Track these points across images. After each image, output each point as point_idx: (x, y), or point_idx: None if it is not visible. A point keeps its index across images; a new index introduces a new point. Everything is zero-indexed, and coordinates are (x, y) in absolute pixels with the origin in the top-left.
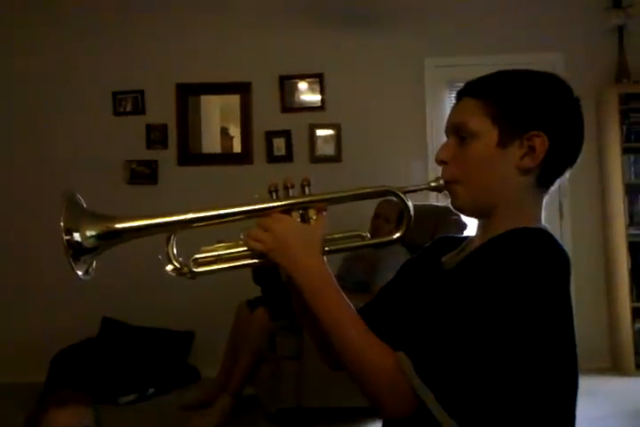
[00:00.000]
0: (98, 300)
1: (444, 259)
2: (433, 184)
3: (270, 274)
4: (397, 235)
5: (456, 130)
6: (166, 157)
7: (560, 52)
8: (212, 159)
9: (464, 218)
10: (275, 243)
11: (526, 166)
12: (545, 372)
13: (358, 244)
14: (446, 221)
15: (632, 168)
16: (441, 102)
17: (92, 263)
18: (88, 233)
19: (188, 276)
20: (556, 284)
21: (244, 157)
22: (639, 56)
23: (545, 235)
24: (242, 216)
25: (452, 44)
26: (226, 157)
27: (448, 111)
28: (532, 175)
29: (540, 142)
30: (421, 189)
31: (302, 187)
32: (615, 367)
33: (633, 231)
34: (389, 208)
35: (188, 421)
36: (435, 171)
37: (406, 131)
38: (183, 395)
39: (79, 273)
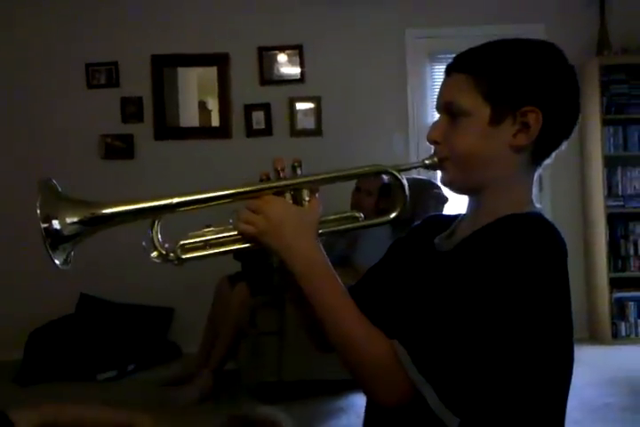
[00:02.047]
0: (75, 276)
1: (436, 240)
2: (427, 162)
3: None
4: (393, 215)
5: (447, 108)
6: (142, 132)
7: (541, 23)
8: (189, 133)
9: (445, 191)
10: (267, 226)
11: (520, 144)
12: (544, 364)
13: (353, 225)
14: (427, 195)
15: (611, 140)
16: (422, 74)
17: (70, 252)
18: (68, 220)
19: (175, 262)
20: (555, 275)
21: (223, 131)
22: (620, 28)
23: (544, 224)
24: (231, 199)
25: (433, 15)
26: (204, 131)
27: (429, 83)
28: (526, 152)
29: (535, 119)
30: (416, 168)
31: (293, 168)
32: (592, 337)
33: (611, 203)
34: (371, 181)
35: (169, 397)
36: (415, 143)
37: (387, 103)
38: (163, 371)
39: (57, 262)
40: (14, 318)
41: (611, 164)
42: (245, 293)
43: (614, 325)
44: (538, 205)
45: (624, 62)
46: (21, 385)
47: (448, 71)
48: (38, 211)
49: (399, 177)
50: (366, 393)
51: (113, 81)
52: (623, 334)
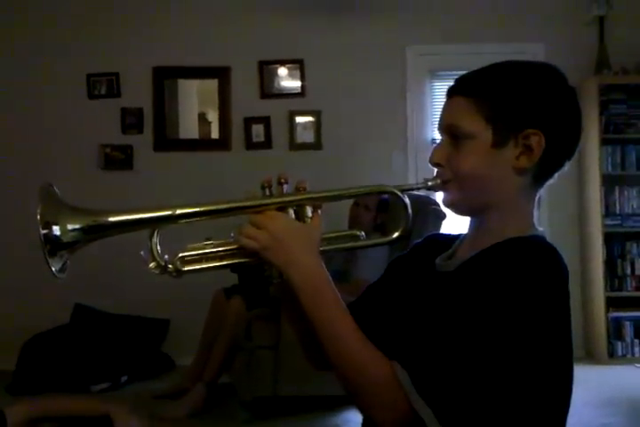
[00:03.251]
0: (70, 286)
1: (437, 260)
2: (430, 183)
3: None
4: (395, 235)
5: (449, 130)
6: (142, 142)
7: (541, 42)
8: (189, 145)
9: (443, 208)
10: (269, 241)
11: (523, 166)
12: (546, 388)
13: (354, 244)
14: (426, 211)
15: (610, 159)
16: (422, 91)
17: (67, 261)
18: (69, 227)
19: (174, 275)
20: (557, 301)
21: (222, 144)
22: (619, 47)
23: (547, 249)
24: (234, 213)
25: (434, 32)
26: (203, 143)
27: (429, 99)
28: (529, 174)
29: (537, 141)
30: (419, 188)
31: (297, 189)
32: (589, 357)
33: (609, 222)
34: (368, 197)
35: (162, 409)
36: (414, 159)
37: (387, 119)
38: (157, 383)
39: (53, 269)
40: (8, 327)
41: (609, 183)
42: (241, 306)
43: (611, 344)
44: (540, 228)
45: (623, 82)
46: (14, 395)
47: (450, 93)
48: (38, 217)
49: (402, 197)
50: (363, 413)
51: (114, 91)
52: (620, 353)
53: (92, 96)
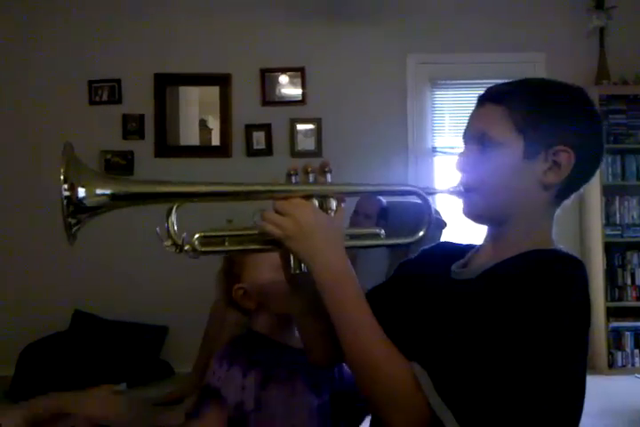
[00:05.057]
0: (69, 292)
1: (453, 268)
2: (453, 189)
3: None
4: (420, 235)
5: (478, 137)
6: (143, 148)
7: (542, 52)
8: (189, 151)
9: (444, 216)
10: (295, 230)
11: (550, 182)
12: (565, 396)
13: (375, 242)
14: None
15: (610, 169)
16: (423, 99)
17: (77, 230)
18: (98, 191)
19: (190, 254)
20: (583, 315)
21: (223, 150)
22: (620, 58)
23: (575, 261)
24: (260, 196)
25: (435, 41)
26: (204, 150)
27: (430, 108)
28: (553, 190)
29: (567, 158)
30: (442, 192)
31: (324, 172)
32: (589, 367)
33: (609, 232)
34: (369, 205)
35: (160, 417)
36: (414, 168)
37: (387, 127)
38: (155, 390)
39: (70, 233)
40: (7, 332)
41: (609, 193)
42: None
43: (611, 354)
44: (561, 246)
45: (623, 93)
46: (13, 401)
47: (481, 101)
48: (62, 177)
49: (427, 200)
50: (380, 414)
51: (115, 98)
52: (620, 364)
53: (93, 102)
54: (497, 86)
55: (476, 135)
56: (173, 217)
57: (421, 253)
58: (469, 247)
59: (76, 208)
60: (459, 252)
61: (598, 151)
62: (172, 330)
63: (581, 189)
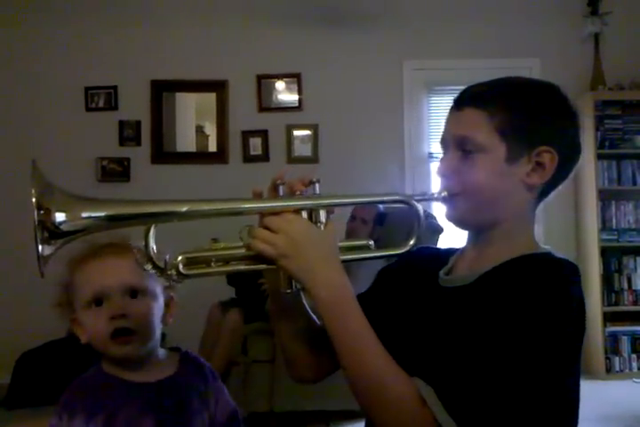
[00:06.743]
0: None
1: (441, 275)
2: (438, 195)
3: (245, 275)
4: (411, 243)
5: (459, 142)
6: (139, 155)
7: (537, 57)
8: (186, 158)
9: (440, 221)
10: (288, 248)
11: (533, 183)
12: (567, 409)
13: (367, 255)
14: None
15: (605, 174)
16: (419, 105)
17: (48, 258)
18: (83, 214)
19: (174, 278)
20: (581, 323)
21: (220, 157)
22: (614, 63)
23: (572, 267)
24: (249, 212)
25: (431, 47)
26: (201, 156)
27: (426, 114)
28: (536, 191)
29: (550, 159)
30: (427, 200)
31: (312, 183)
32: (586, 372)
33: (605, 237)
34: (366, 210)
35: None
36: (411, 173)
37: (384, 133)
38: None
39: (44, 254)
40: (3, 340)
41: (605, 198)
42: (238, 319)
43: (608, 359)
44: (546, 246)
45: (618, 98)
46: (9, 408)
47: (459, 105)
48: (34, 199)
49: (417, 207)
50: None
51: (112, 104)
52: (617, 369)
53: (89, 109)
54: (472, 88)
55: (456, 140)
56: (151, 239)
57: (401, 260)
58: (450, 251)
59: (51, 234)
60: (441, 256)
61: (578, 148)
62: (170, 336)
63: (560, 186)
